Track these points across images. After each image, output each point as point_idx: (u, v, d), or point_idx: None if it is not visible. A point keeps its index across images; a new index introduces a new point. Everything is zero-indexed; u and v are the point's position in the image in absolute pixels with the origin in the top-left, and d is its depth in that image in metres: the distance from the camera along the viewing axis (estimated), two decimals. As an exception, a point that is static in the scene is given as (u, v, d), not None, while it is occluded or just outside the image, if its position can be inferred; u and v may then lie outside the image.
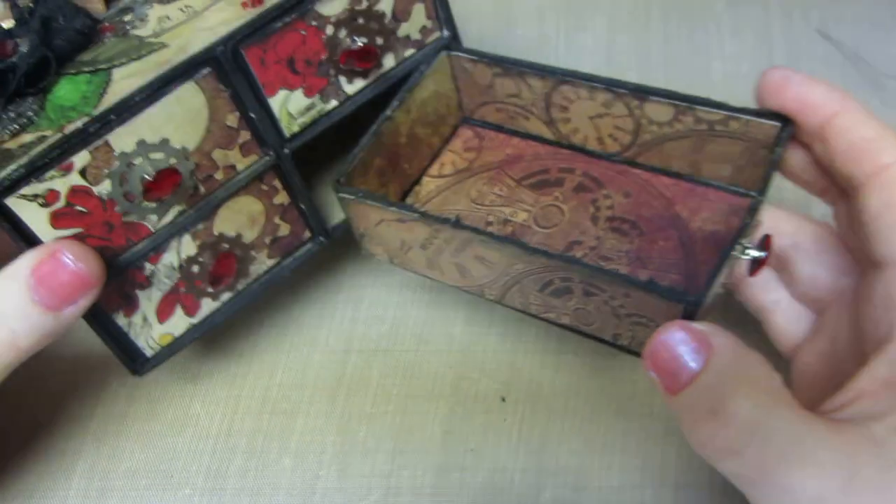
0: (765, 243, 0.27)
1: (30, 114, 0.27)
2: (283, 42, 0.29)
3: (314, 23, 0.30)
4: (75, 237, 0.28)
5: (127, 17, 0.31)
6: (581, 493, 0.33)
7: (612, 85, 0.31)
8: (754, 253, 0.27)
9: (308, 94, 0.31)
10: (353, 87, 0.32)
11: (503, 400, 0.36)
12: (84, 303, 0.27)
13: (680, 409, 0.23)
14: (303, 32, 0.30)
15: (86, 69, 0.29)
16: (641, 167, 0.33)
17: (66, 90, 0.28)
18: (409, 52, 0.33)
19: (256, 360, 0.38)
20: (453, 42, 0.34)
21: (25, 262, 0.26)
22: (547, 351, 0.37)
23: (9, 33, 0.30)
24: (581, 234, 0.32)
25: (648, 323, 0.27)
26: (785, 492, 0.21)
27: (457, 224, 0.28)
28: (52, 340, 0.27)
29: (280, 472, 0.35)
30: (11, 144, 0.26)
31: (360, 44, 0.31)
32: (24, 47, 0.29)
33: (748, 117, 0.29)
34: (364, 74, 0.32)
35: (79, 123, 0.26)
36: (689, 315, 0.25)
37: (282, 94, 0.30)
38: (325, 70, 0.31)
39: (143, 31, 0.30)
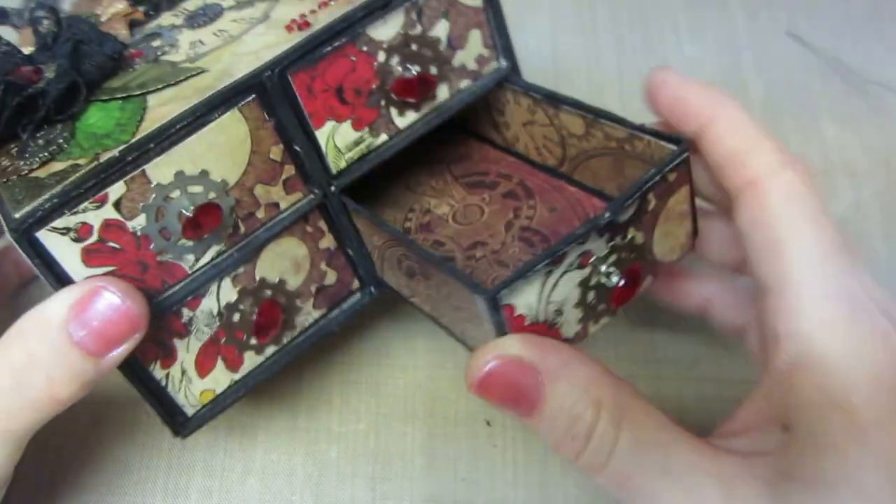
0: (631, 275, 0.25)
1: (60, 141, 0.24)
2: (333, 69, 0.27)
3: (365, 48, 0.27)
4: (108, 276, 0.24)
5: (156, 43, 0.29)
6: None
7: (528, 89, 0.30)
8: (610, 280, 0.24)
9: (357, 126, 0.28)
10: (404, 120, 0.29)
11: (488, 423, 0.33)
12: (128, 347, 0.24)
13: (536, 433, 0.23)
14: (353, 59, 0.27)
15: (118, 95, 0.26)
16: (578, 185, 0.32)
17: (97, 117, 0.25)
18: (465, 83, 0.30)
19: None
20: (512, 74, 0.31)
21: (64, 300, 0.23)
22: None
23: (29, 59, 0.28)
24: (490, 236, 0.31)
25: (473, 319, 0.24)
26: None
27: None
28: (90, 390, 0.24)
29: (247, 494, 0.32)
30: (41, 173, 0.23)
31: (413, 72, 0.28)
32: (48, 73, 0.27)
33: (648, 137, 0.27)
34: (416, 107, 0.29)
35: (115, 152, 0.23)
36: (495, 307, 0.22)
37: (329, 125, 0.27)
38: (376, 100, 0.28)
39: (175, 57, 0.28)
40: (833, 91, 0.41)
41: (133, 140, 0.24)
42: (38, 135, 0.25)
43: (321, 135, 0.28)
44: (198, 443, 0.33)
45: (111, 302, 0.23)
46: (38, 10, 0.28)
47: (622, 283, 0.25)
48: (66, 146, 0.24)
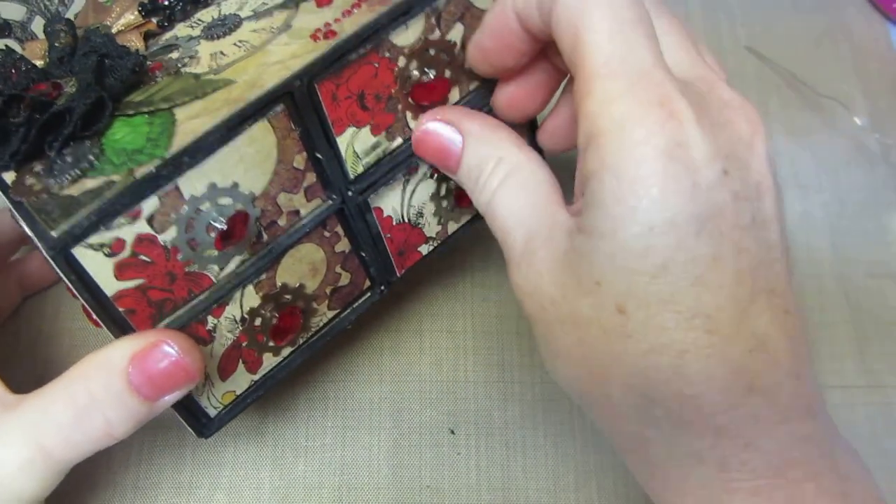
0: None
1: (90, 157, 0.23)
2: (356, 76, 0.26)
3: (387, 54, 0.27)
4: (138, 288, 0.24)
5: (174, 55, 0.28)
6: None
7: None
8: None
9: (375, 132, 0.28)
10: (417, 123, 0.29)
11: (452, 432, 0.33)
12: (181, 393, 0.25)
13: (461, 181, 0.27)
14: (376, 65, 0.26)
15: (143, 110, 0.25)
16: None
17: (123, 132, 0.24)
18: (474, 84, 0.30)
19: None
20: None
21: (123, 350, 0.24)
22: (489, 381, 0.34)
23: (44, 73, 0.27)
24: None
25: None
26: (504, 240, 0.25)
27: None
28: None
29: None
30: (73, 191, 0.22)
31: (431, 76, 0.28)
32: (69, 88, 0.26)
33: None
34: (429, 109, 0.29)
35: (150, 167, 0.22)
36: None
37: (349, 132, 0.27)
38: (394, 105, 0.28)
39: (197, 69, 0.27)
40: (788, 104, 0.42)
41: (168, 155, 0.23)
42: (65, 152, 0.24)
43: (341, 141, 0.27)
44: (164, 460, 0.32)
45: (169, 355, 0.24)
46: (54, 23, 0.28)
47: None
48: (96, 163, 0.23)
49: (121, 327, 0.24)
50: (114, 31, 0.29)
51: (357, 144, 0.28)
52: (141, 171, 0.23)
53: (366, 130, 0.28)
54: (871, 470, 0.22)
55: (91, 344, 0.36)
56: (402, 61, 0.27)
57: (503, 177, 0.26)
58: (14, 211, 0.23)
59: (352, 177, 0.28)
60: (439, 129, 0.27)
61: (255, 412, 0.33)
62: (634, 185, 0.20)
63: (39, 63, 0.28)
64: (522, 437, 0.33)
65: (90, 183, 0.23)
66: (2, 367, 0.27)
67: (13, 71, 0.26)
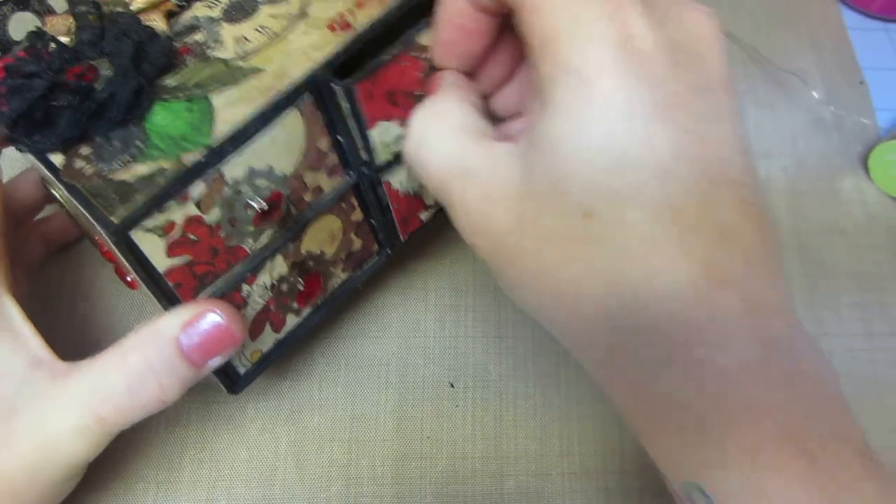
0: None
1: (138, 143, 0.24)
2: (388, 75, 0.27)
3: (414, 54, 0.28)
4: (185, 264, 0.25)
5: (198, 37, 0.29)
6: (544, 479, 0.32)
7: None
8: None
9: (402, 124, 0.29)
10: None
11: (452, 386, 0.35)
12: (225, 358, 0.26)
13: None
14: (405, 64, 0.28)
15: (179, 95, 0.26)
16: None
17: (163, 117, 0.26)
18: None
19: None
20: None
21: (174, 320, 0.25)
22: (487, 336, 0.36)
23: (75, 53, 0.27)
24: None
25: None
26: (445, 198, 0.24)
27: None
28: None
29: (236, 462, 0.33)
30: (127, 176, 0.24)
31: None
32: (105, 71, 0.27)
33: None
34: None
35: (198, 156, 0.24)
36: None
37: (381, 126, 0.28)
38: (420, 100, 0.29)
39: (223, 54, 0.28)
40: (753, 79, 0.45)
41: (213, 143, 0.24)
42: (112, 136, 0.25)
43: (372, 134, 0.29)
44: (190, 419, 0.34)
45: (216, 322, 0.25)
46: (79, 3, 0.28)
47: None
48: (144, 148, 0.24)
49: (170, 299, 0.26)
50: (133, 8, 0.30)
51: (387, 136, 0.29)
52: (189, 159, 0.24)
53: (395, 123, 0.29)
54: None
55: (123, 298, 0.37)
56: (427, 60, 0.29)
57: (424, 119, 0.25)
58: (68, 193, 0.24)
59: (379, 164, 0.30)
60: None
61: (275, 372, 0.35)
62: (591, 81, 0.19)
63: (64, 40, 0.28)
64: (514, 389, 0.35)
65: (141, 168, 0.24)
66: (41, 328, 0.28)
67: (46, 52, 0.27)
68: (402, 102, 0.29)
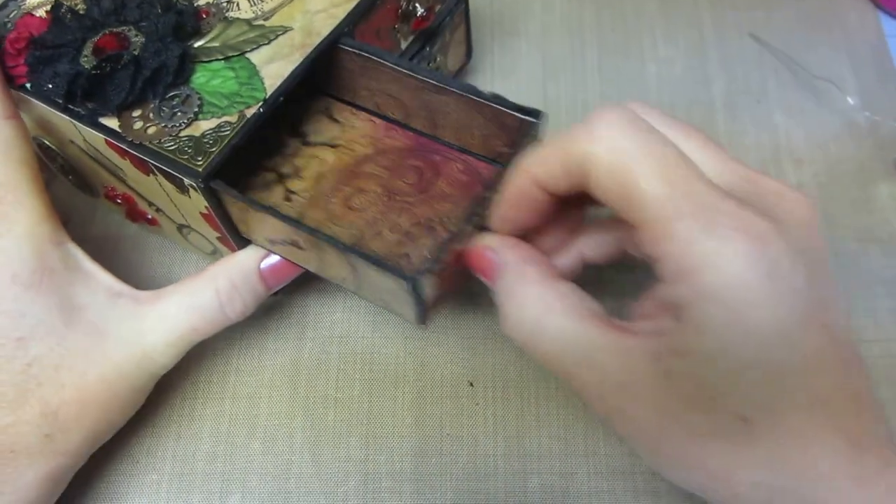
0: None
1: (197, 102, 0.27)
2: (377, 17, 0.31)
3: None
4: None
5: None
6: (569, 479, 0.31)
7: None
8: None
9: None
10: (405, 43, 0.34)
11: (471, 385, 0.34)
12: (288, 281, 0.31)
13: (497, 295, 0.26)
14: (388, 6, 0.31)
15: (216, 57, 0.28)
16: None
17: (208, 77, 0.27)
18: (439, 7, 0.35)
19: (209, 348, 0.35)
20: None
21: (254, 254, 0.30)
22: (506, 337, 0.35)
23: (93, 21, 0.28)
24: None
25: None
26: (570, 379, 0.24)
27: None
28: None
29: (251, 457, 0.32)
30: (194, 132, 0.26)
31: (422, 11, 0.33)
32: (136, 38, 0.27)
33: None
34: (414, 34, 0.34)
35: (258, 108, 0.26)
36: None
37: None
38: (395, 35, 0.33)
39: (244, 14, 0.29)
40: (785, 86, 0.44)
41: (268, 97, 0.27)
42: (168, 98, 0.27)
43: None
44: (205, 412, 0.33)
45: (278, 258, 0.30)
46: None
47: None
48: (203, 106, 0.27)
49: (244, 240, 0.30)
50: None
51: None
52: (250, 112, 0.26)
53: None
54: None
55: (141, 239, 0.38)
56: (403, 3, 0.32)
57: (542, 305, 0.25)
58: (133, 151, 0.26)
59: None
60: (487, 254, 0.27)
61: (289, 365, 0.35)
62: (745, 309, 0.20)
63: (80, 7, 0.29)
64: (535, 389, 0.34)
65: (206, 124, 0.26)
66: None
67: (69, 22, 0.28)
68: (385, 37, 0.32)
